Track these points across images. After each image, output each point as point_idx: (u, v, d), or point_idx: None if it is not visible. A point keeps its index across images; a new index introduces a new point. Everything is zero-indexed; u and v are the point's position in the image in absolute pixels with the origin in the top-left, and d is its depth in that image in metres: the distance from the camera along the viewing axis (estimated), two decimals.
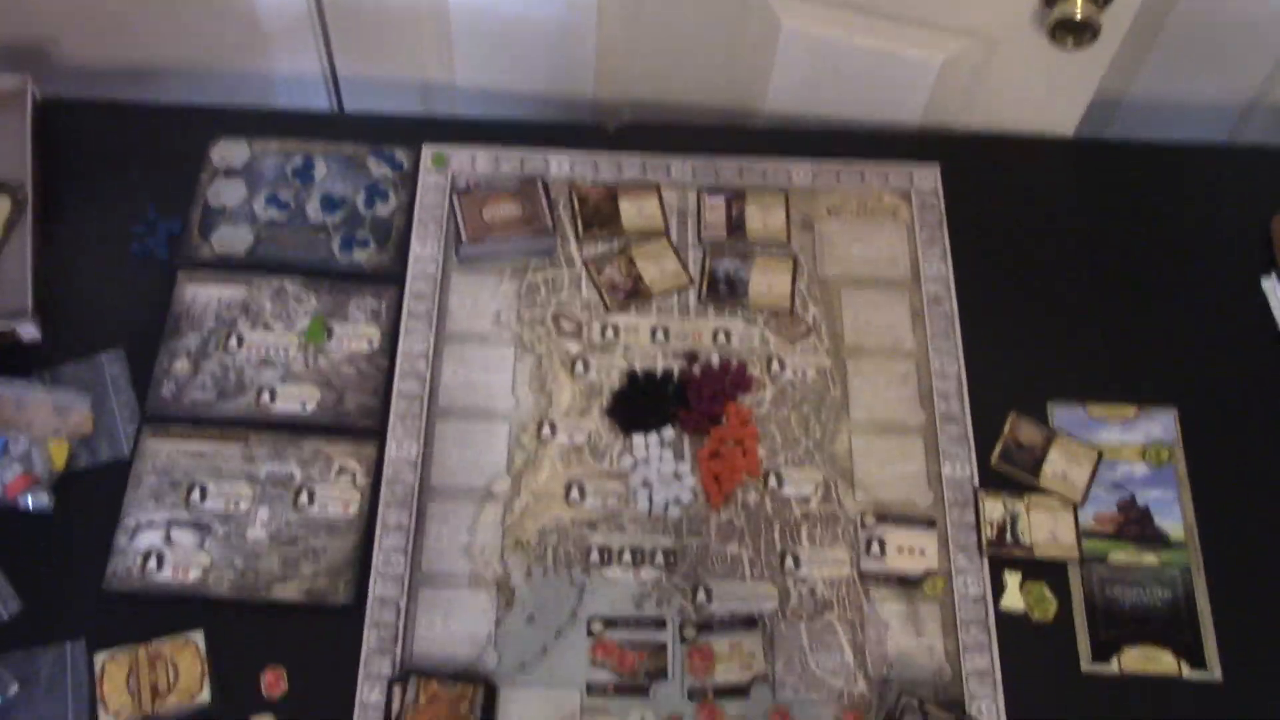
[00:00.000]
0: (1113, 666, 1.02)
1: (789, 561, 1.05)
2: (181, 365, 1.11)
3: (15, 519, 1.04)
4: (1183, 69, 1.34)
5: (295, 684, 0.99)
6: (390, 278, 1.17)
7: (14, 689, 0.96)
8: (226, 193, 1.21)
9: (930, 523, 1.07)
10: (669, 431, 1.10)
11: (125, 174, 1.23)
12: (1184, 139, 1.34)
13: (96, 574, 1.02)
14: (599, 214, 1.22)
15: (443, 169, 1.24)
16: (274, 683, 0.98)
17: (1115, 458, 1.10)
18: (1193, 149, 1.32)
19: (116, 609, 1.01)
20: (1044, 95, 1.27)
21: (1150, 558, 1.06)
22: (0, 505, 1.03)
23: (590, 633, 1.01)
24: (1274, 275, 1.20)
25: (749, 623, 1.02)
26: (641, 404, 1.11)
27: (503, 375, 1.13)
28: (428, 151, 1.25)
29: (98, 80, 1.35)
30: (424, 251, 1.19)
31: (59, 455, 1.05)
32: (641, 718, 0.98)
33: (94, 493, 1.06)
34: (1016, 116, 1.30)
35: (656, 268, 1.19)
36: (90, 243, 1.18)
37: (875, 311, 1.18)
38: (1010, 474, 1.10)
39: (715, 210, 1.23)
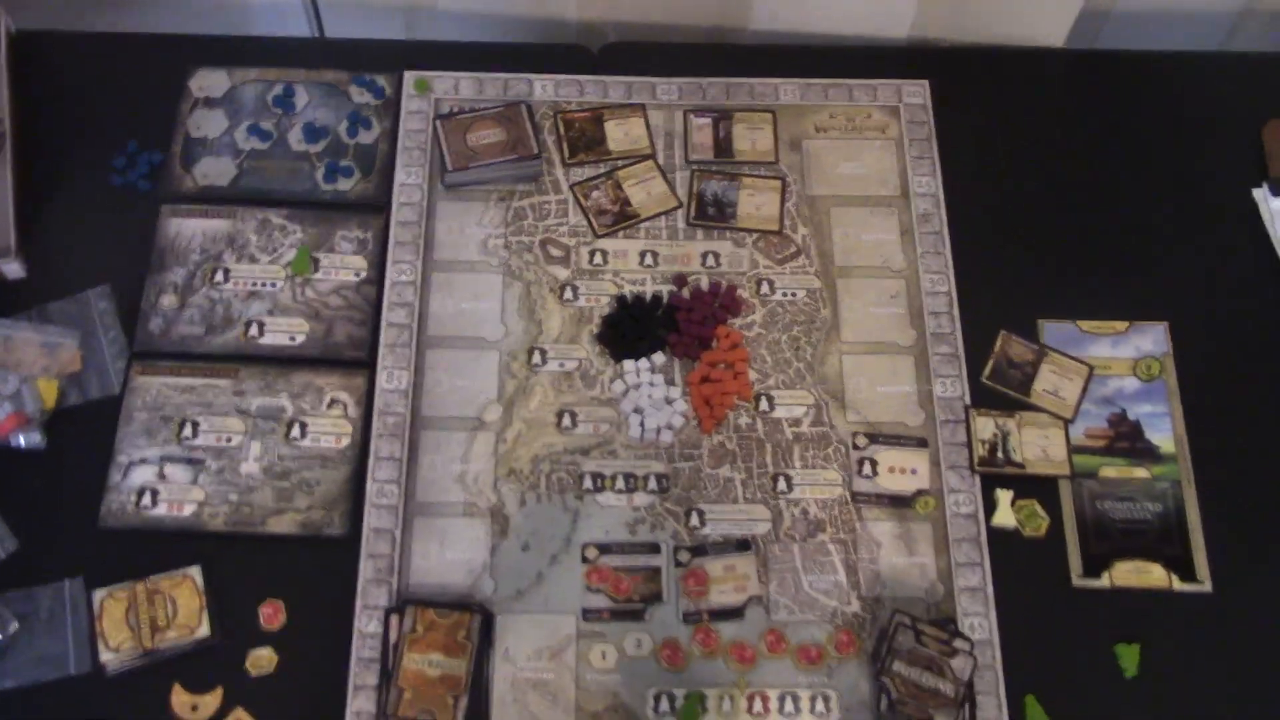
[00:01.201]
0: (1103, 581, 1.02)
1: (781, 483, 1.06)
2: (168, 300, 1.11)
3: (8, 458, 1.04)
4: None
5: (293, 616, 1.00)
6: (375, 207, 1.16)
7: (14, 626, 0.97)
8: (207, 123, 1.20)
9: (922, 442, 1.07)
10: (659, 356, 1.10)
11: (104, 106, 1.21)
12: (1175, 48, 1.32)
13: (92, 511, 1.02)
14: (584, 137, 1.21)
15: (425, 95, 1.22)
16: (272, 615, 0.99)
17: (1106, 373, 1.11)
18: (1183, 57, 1.31)
19: (113, 545, 1.01)
20: (1033, 5, 1.25)
21: (1141, 472, 1.07)
22: None
23: (585, 559, 1.02)
24: (1265, 186, 1.19)
25: (742, 545, 1.03)
26: (631, 329, 1.11)
27: (491, 303, 1.13)
28: (410, 78, 1.23)
29: (73, 10, 1.33)
30: (409, 179, 1.18)
31: (49, 393, 1.05)
32: (638, 641, 0.99)
33: (86, 430, 1.06)
34: (1006, 28, 1.28)
35: (644, 191, 1.18)
36: (71, 177, 1.17)
37: (865, 230, 1.17)
38: (1001, 392, 1.10)
39: (702, 131, 1.22)
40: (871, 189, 1.19)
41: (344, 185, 1.17)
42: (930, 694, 0.96)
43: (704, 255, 1.15)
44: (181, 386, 1.07)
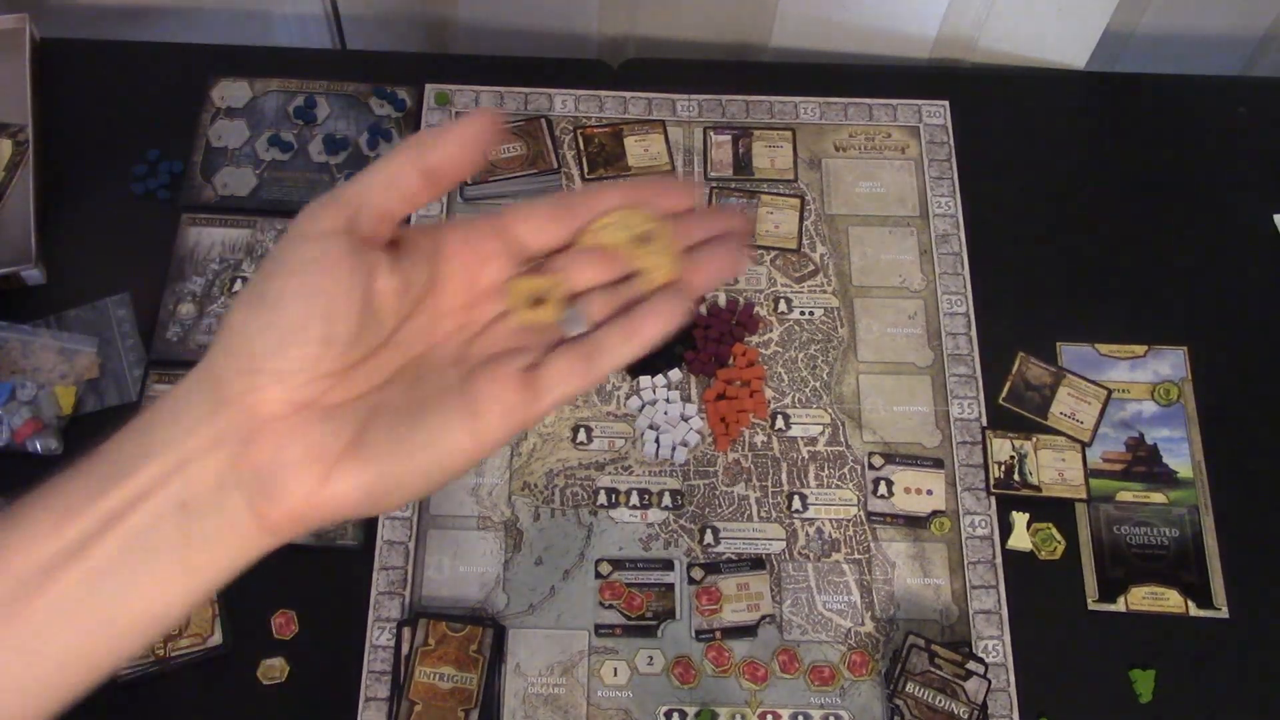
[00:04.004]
0: (1119, 605, 1.02)
1: (796, 502, 1.05)
2: (186, 308, 1.11)
3: (25, 464, 1.04)
4: (1195, 0, 1.32)
5: (306, 626, 0.99)
6: None
7: None
8: (228, 133, 1.20)
9: (938, 463, 1.07)
10: (676, 373, 1.10)
11: (125, 115, 1.22)
12: (1197, 72, 1.32)
13: None
14: (604, 153, 1.21)
15: (446, 108, 1.23)
16: (284, 625, 0.99)
17: (1124, 396, 1.10)
18: (1205, 81, 1.31)
19: None
20: (1055, 27, 1.25)
21: (1158, 496, 1.06)
22: (9, 450, 1.03)
23: (598, 574, 1.02)
24: None
25: (756, 563, 1.03)
26: None
27: None
28: (431, 90, 1.24)
29: (97, 19, 1.33)
30: None
31: (66, 400, 1.05)
32: (650, 658, 0.99)
33: (102, 437, 1.05)
34: (1027, 50, 1.28)
35: None
36: (91, 185, 1.17)
37: (883, 250, 1.17)
38: (1018, 414, 1.09)
39: (721, 148, 1.22)
40: (890, 208, 1.19)
41: None
42: (944, 716, 0.95)
43: None
44: None
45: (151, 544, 0.47)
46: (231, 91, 1.23)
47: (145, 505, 0.47)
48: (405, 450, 0.48)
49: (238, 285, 1.12)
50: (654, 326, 0.52)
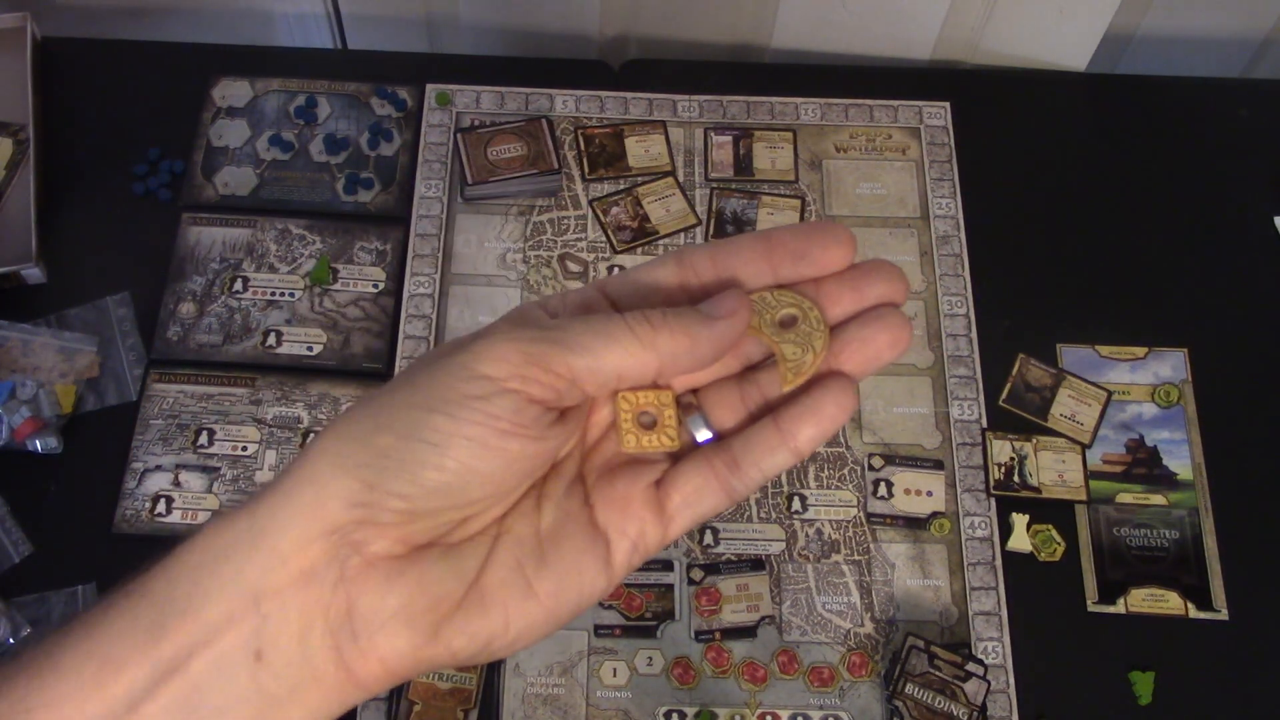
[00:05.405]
0: (1119, 607, 1.02)
1: (796, 503, 1.05)
2: (187, 308, 1.11)
3: (25, 462, 1.04)
4: (1197, 2, 1.32)
5: None
6: (395, 219, 1.17)
7: (26, 631, 0.97)
8: (229, 133, 1.20)
9: (938, 464, 1.07)
10: None
11: (126, 114, 1.22)
12: (1198, 74, 1.32)
13: (106, 517, 1.02)
14: (605, 153, 1.21)
15: (447, 108, 1.23)
16: None
17: (1124, 398, 1.10)
18: (1206, 83, 1.31)
19: (126, 552, 1.01)
20: (1056, 29, 1.25)
21: (1158, 499, 1.06)
22: (9, 449, 1.03)
23: None
24: None
25: (756, 564, 1.03)
26: None
27: None
28: (432, 91, 1.24)
29: (98, 18, 1.33)
30: (428, 192, 1.18)
31: (66, 398, 1.05)
32: (649, 659, 0.99)
33: (102, 436, 1.06)
34: (1028, 51, 1.28)
35: (663, 207, 1.18)
36: (92, 184, 1.17)
37: (884, 251, 1.17)
38: (1018, 415, 1.09)
39: (722, 149, 1.22)
40: (891, 210, 1.19)
41: (364, 197, 1.17)
42: (943, 717, 0.95)
43: None
44: (198, 394, 1.07)
45: (218, 701, 0.39)
46: (232, 91, 1.23)
47: (210, 653, 0.39)
48: (532, 593, 0.42)
49: (237, 285, 1.12)
50: (811, 433, 0.43)
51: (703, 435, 0.44)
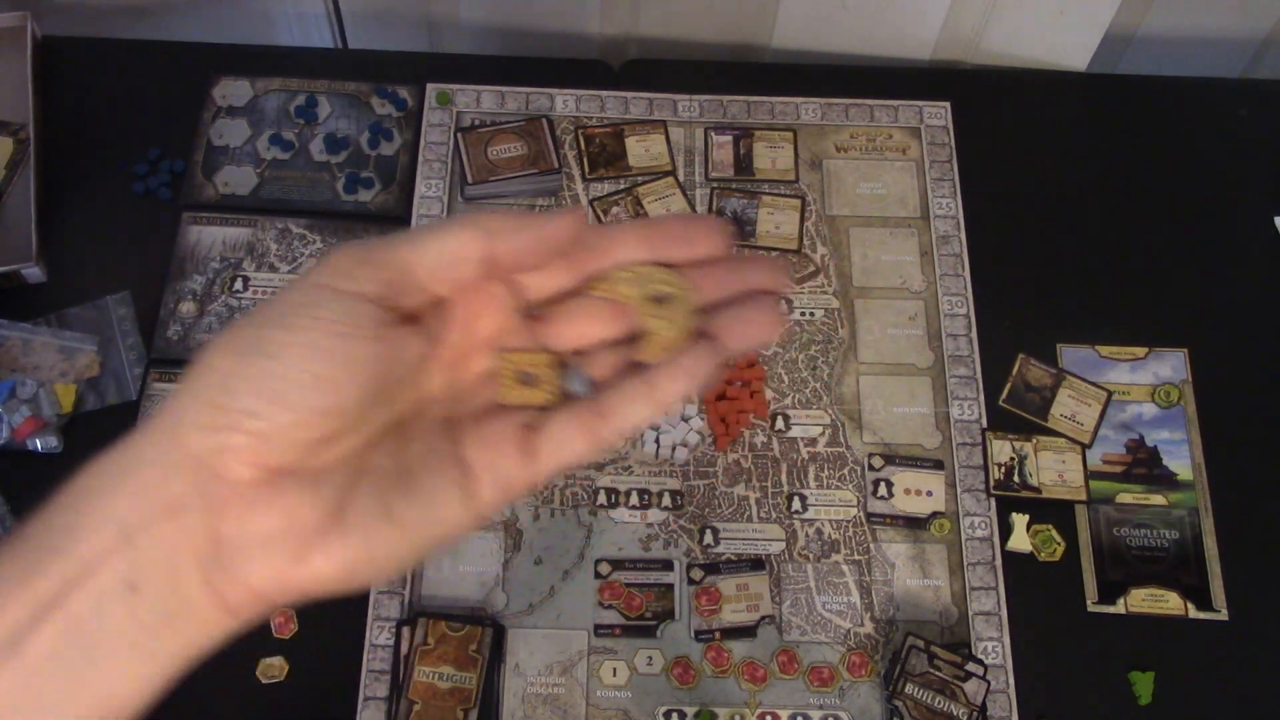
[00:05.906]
0: (1119, 607, 1.02)
1: (796, 503, 1.05)
2: (187, 307, 1.11)
3: (25, 462, 1.04)
4: (1197, 2, 1.32)
5: (305, 625, 0.99)
6: (395, 218, 1.17)
7: None
8: (229, 132, 1.20)
9: (938, 464, 1.07)
10: None
11: (126, 113, 1.22)
12: (1198, 74, 1.32)
13: None
14: (605, 153, 1.21)
15: (447, 107, 1.23)
16: (284, 624, 0.99)
17: (1124, 398, 1.10)
18: (1207, 83, 1.31)
19: None
20: (1057, 29, 1.25)
21: (1158, 499, 1.06)
22: (10, 448, 1.03)
23: (598, 574, 1.02)
24: None
25: (756, 564, 1.03)
26: None
27: None
28: (432, 90, 1.24)
29: (98, 17, 1.33)
30: (429, 192, 1.18)
31: (66, 398, 1.05)
32: (649, 659, 0.99)
33: (102, 435, 1.05)
34: (1029, 51, 1.28)
35: (663, 207, 1.18)
36: (92, 183, 1.17)
37: (884, 251, 1.17)
38: (1018, 415, 1.09)
39: (722, 148, 1.22)
40: (891, 210, 1.19)
41: (364, 196, 1.17)
42: (942, 717, 0.95)
43: None
44: None
45: (96, 633, 0.40)
46: (233, 90, 1.23)
47: (86, 587, 0.40)
48: (393, 521, 0.43)
49: (238, 284, 1.12)
50: (673, 388, 0.46)
51: (581, 392, 0.47)
